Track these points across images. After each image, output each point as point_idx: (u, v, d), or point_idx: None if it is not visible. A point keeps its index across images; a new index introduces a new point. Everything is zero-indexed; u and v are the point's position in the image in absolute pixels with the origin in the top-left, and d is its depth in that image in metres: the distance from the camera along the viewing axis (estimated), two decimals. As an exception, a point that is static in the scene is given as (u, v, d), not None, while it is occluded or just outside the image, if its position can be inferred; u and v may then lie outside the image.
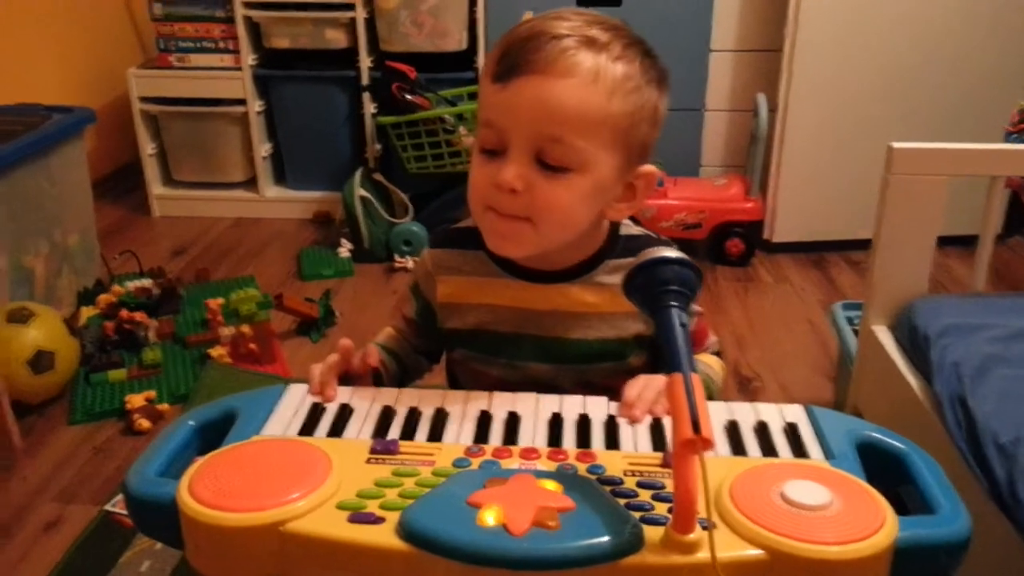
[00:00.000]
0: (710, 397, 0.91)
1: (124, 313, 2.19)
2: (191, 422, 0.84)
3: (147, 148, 3.05)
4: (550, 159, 0.83)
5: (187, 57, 2.96)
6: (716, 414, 0.84)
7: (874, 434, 0.82)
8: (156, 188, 3.12)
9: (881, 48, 2.50)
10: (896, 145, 1.27)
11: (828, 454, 0.78)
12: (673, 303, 0.68)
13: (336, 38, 2.86)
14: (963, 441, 1.06)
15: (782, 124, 2.57)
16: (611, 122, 0.83)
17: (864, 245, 2.67)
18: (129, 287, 2.39)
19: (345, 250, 2.72)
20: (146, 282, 2.42)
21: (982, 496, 1.01)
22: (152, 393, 1.93)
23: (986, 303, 1.33)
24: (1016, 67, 2.53)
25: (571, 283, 0.95)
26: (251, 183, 3.12)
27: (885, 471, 0.79)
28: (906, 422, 0.81)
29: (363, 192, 2.68)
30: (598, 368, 0.98)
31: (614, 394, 0.88)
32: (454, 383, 1.08)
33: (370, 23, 2.84)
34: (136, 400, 1.88)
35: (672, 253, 0.69)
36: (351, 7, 2.80)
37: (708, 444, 0.61)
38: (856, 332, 1.62)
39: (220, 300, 2.30)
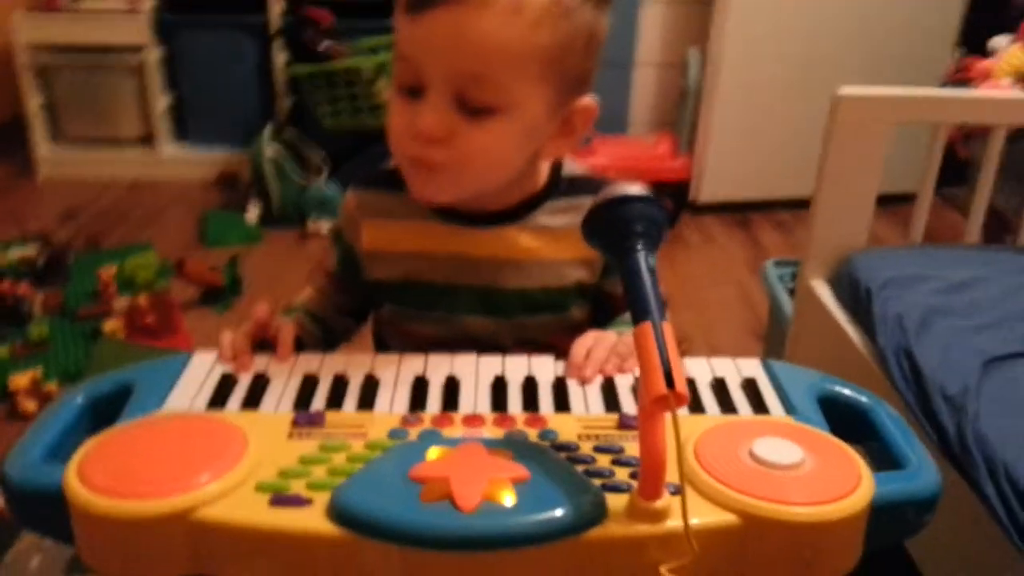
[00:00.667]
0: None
1: (6, 285, 2.01)
2: (79, 398, 0.74)
3: (33, 102, 2.81)
4: (472, 100, 0.75)
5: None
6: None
7: (837, 388, 0.78)
8: (42, 147, 2.89)
9: (814, 4, 2.48)
10: (843, 91, 1.23)
11: (790, 409, 0.74)
12: (639, 245, 0.61)
13: (242, -19, 2.68)
14: (910, 394, 1.04)
15: (713, 80, 2.54)
16: (538, 55, 0.75)
17: (788, 205, 2.73)
18: (11, 255, 2.19)
19: (253, 214, 2.56)
20: (30, 250, 2.23)
21: (931, 449, 0.99)
22: (38, 372, 1.77)
23: (925, 255, 1.31)
24: (946, 18, 2.56)
25: (509, 225, 0.87)
26: (148, 140, 2.92)
27: (847, 426, 0.74)
28: (848, 376, 0.78)
29: (273, 150, 2.52)
30: (539, 321, 0.91)
31: (558, 352, 0.82)
32: (382, 346, 0.99)
33: (280, -35, 2.67)
34: (20, 380, 1.73)
35: (636, 190, 0.62)
36: (258, -51, 2.63)
37: (683, 399, 0.55)
38: (789, 290, 1.60)
39: (113, 268, 2.13)
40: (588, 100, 0.83)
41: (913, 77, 2.43)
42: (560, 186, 0.89)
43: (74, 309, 2.02)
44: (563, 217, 0.88)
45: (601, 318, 0.95)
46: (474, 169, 0.79)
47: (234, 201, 2.71)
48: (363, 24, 2.61)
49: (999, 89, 1.51)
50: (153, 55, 2.77)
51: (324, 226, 2.53)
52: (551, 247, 0.88)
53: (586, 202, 0.87)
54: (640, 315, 0.58)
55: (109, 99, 2.85)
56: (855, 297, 1.25)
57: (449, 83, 0.75)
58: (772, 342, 1.68)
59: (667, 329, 0.57)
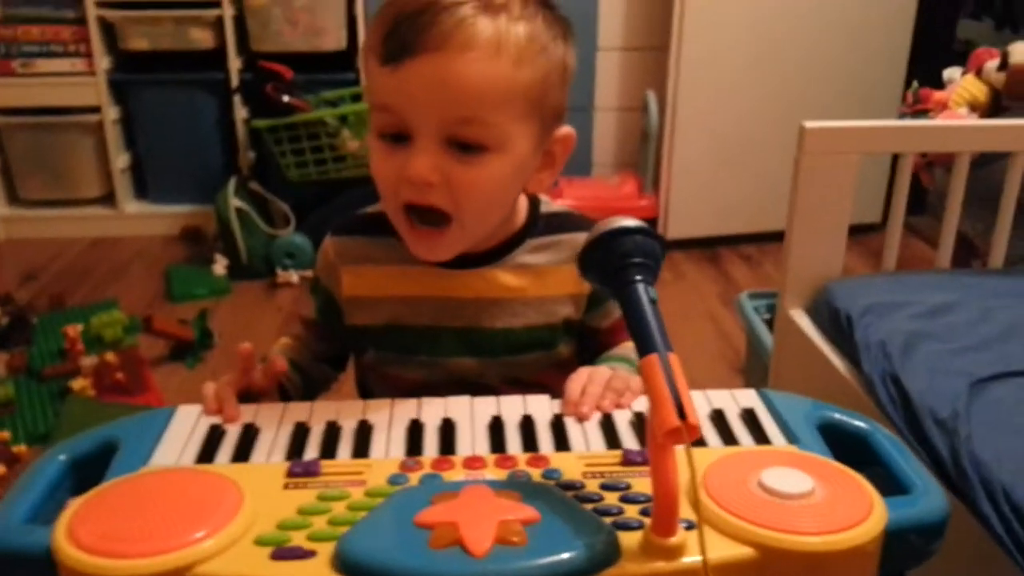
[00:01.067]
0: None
1: (-33, 346, 1.95)
2: (62, 456, 0.71)
3: (-12, 164, 2.76)
4: (463, 140, 0.75)
5: (33, 63, 2.70)
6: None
7: (835, 415, 0.78)
8: (0, 208, 2.82)
9: (767, 43, 2.56)
10: (808, 124, 1.26)
11: (791, 439, 0.73)
12: (638, 277, 0.60)
13: (201, 38, 2.68)
14: (900, 419, 1.04)
15: (672, 121, 2.58)
16: (522, 91, 0.76)
17: (754, 239, 2.77)
18: (-28, 317, 2.13)
19: (220, 266, 2.53)
20: (-8, 311, 2.16)
21: (923, 473, 0.99)
22: (6, 434, 1.72)
23: (899, 281, 1.33)
24: (898, 50, 2.65)
25: (491, 266, 0.87)
26: (108, 199, 2.88)
27: (846, 452, 0.74)
28: (833, 403, 0.79)
29: (238, 203, 2.50)
30: (526, 360, 0.90)
31: (547, 390, 0.81)
32: (366, 393, 0.97)
33: (239, 21, 2.68)
34: (-13, 442, 1.67)
35: (631, 222, 0.62)
36: (217, 5, 2.64)
37: (695, 431, 0.54)
38: (765, 321, 1.61)
39: (79, 326, 2.08)
40: (566, 129, 0.84)
41: (867, 109, 2.52)
42: (539, 224, 0.89)
43: (39, 369, 1.96)
44: (544, 255, 0.88)
45: (586, 354, 0.94)
46: (472, 209, 0.78)
47: (198, 255, 2.67)
48: (322, 77, 2.63)
49: (957, 118, 1.56)
50: (110, 115, 2.75)
51: (294, 276, 2.50)
52: (534, 285, 0.88)
53: (565, 238, 0.89)
54: (645, 347, 0.57)
55: (67, 159, 2.81)
56: (836, 325, 1.26)
57: (438, 128, 0.75)
58: (752, 374, 1.68)
59: (674, 360, 0.57)
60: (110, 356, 1.91)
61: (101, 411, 1.79)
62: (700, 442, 0.73)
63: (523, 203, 0.89)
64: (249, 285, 2.49)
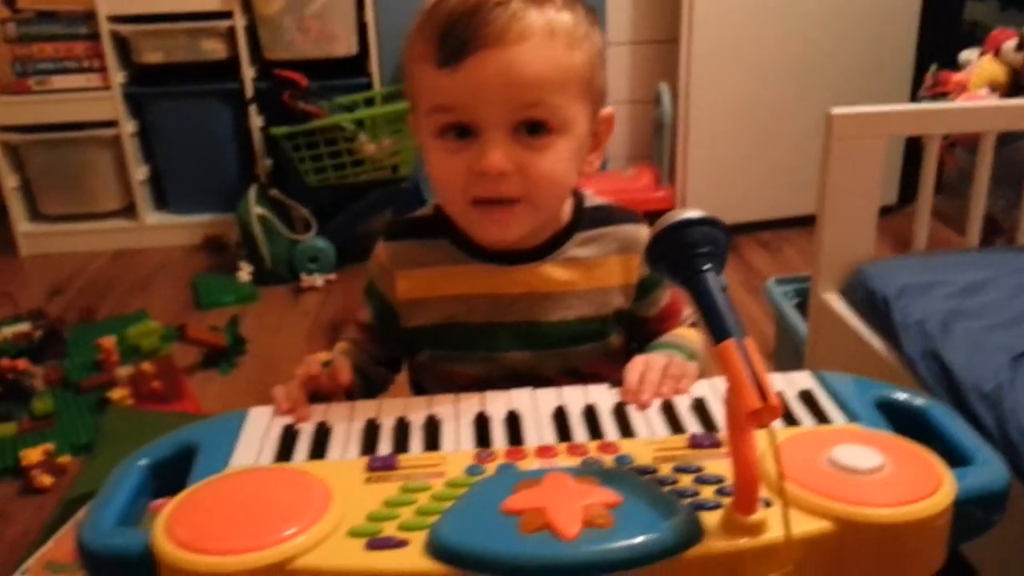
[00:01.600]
0: (701, 373, 0.86)
1: (4, 362, 1.97)
2: (142, 462, 0.73)
3: (9, 182, 2.79)
4: (533, 120, 0.78)
5: (48, 80, 2.72)
6: (719, 390, 0.79)
7: (892, 392, 0.79)
8: (22, 225, 2.86)
9: (777, 30, 2.57)
10: (835, 110, 1.27)
11: (853, 417, 0.75)
12: (707, 266, 0.62)
13: (214, 49, 2.70)
14: (943, 395, 1.06)
15: (685, 112, 2.59)
16: (576, 72, 0.80)
17: (771, 225, 2.78)
18: (5, 333, 2.16)
19: (246, 273, 2.55)
20: (24, 326, 2.19)
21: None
22: (50, 446, 1.74)
23: (930, 262, 1.35)
24: (906, 34, 2.65)
25: (542, 261, 0.89)
26: (129, 211, 2.90)
27: (903, 429, 0.76)
28: None
29: (260, 210, 2.52)
30: (581, 351, 0.92)
31: (601, 380, 0.83)
32: (420, 392, 0.99)
33: (251, 31, 2.70)
34: (32, 455, 1.69)
35: (696, 213, 0.63)
36: (228, 15, 2.65)
37: (776, 412, 0.55)
38: (796, 306, 1.62)
39: (114, 338, 2.10)
40: (608, 110, 0.88)
41: (877, 93, 2.53)
42: (584, 218, 0.91)
43: (76, 381, 1.99)
44: (592, 247, 0.90)
45: (635, 342, 0.96)
46: (546, 194, 0.81)
47: (222, 263, 2.70)
48: (336, 83, 2.65)
49: (978, 99, 1.57)
50: (127, 128, 2.77)
51: (318, 279, 2.52)
52: (584, 278, 0.90)
53: (610, 231, 0.91)
54: (720, 334, 0.59)
55: (86, 174, 2.83)
56: (872, 307, 1.28)
57: (507, 118, 0.77)
58: (782, 360, 1.70)
59: (750, 344, 0.58)
60: (146, 365, 1.94)
61: (141, 419, 1.81)
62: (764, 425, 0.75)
63: (568, 199, 0.91)
64: (275, 290, 2.51)
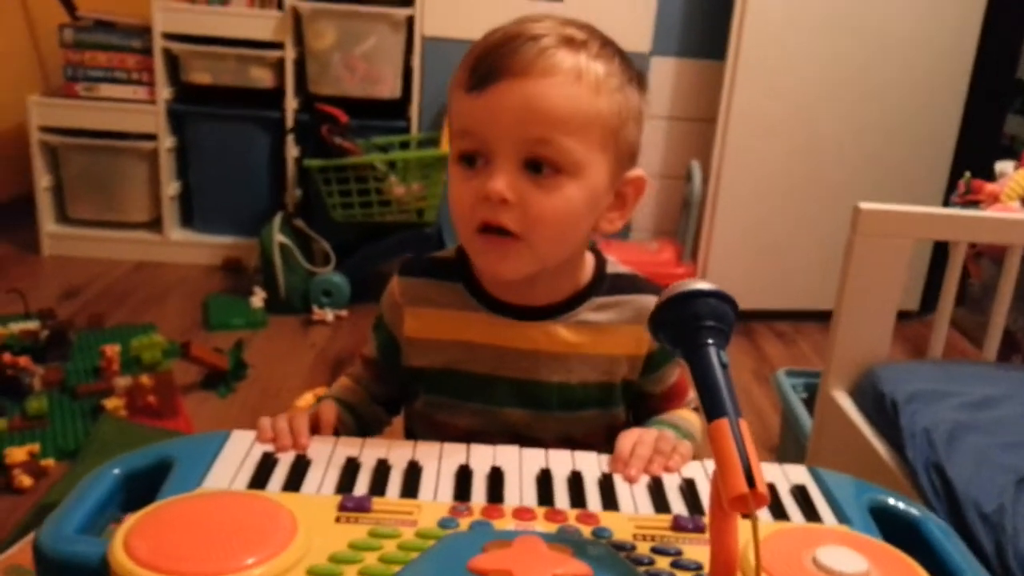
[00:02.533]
0: (695, 456, 0.84)
1: (7, 357, 1.97)
2: (116, 470, 0.72)
3: (42, 181, 2.83)
4: (540, 158, 0.77)
5: (96, 87, 2.78)
6: (711, 473, 0.77)
7: (888, 499, 0.77)
8: (48, 225, 2.89)
9: (813, 122, 2.59)
10: (863, 206, 1.27)
11: (842, 519, 0.73)
12: (710, 340, 0.60)
13: (261, 77, 2.76)
14: (942, 509, 1.02)
15: (715, 191, 2.60)
16: (600, 120, 0.79)
17: (789, 316, 2.76)
18: (13, 329, 2.16)
19: (258, 299, 2.55)
20: (32, 324, 2.20)
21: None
22: (36, 447, 1.72)
23: (946, 370, 1.32)
24: (944, 142, 2.66)
25: (553, 320, 0.88)
26: (155, 224, 2.93)
27: (898, 538, 0.73)
28: None
29: (282, 238, 2.54)
30: (579, 417, 0.90)
31: (597, 451, 0.81)
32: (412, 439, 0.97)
33: (299, 64, 2.76)
34: (17, 454, 1.68)
35: (705, 285, 0.62)
36: (280, 46, 2.71)
37: (763, 500, 0.53)
38: (802, 400, 1.59)
39: (118, 347, 2.10)
40: (639, 171, 0.86)
41: (910, 198, 2.53)
42: (604, 283, 0.90)
43: (74, 386, 1.98)
44: (607, 313, 0.89)
45: (636, 418, 0.94)
46: (545, 234, 0.80)
47: (238, 286, 2.71)
48: (375, 123, 2.69)
49: (1009, 211, 1.56)
50: (166, 143, 2.82)
51: (329, 314, 2.52)
52: (593, 342, 0.88)
53: (629, 299, 0.89)
54: (715, 412, 0.57)
55: (119, 183, 2.87)
56: (880, 409, 1.25)
57: (517, 149, 0.77)
58: (785, 453, 1.66)
59: (744, 426, 0.57)
60: (144, 379, 1.93)
61: (131, 432, 1.80)
62: (748, 513, 0.72)
63: (590, 261, 0.91)
64: (285, 320, 2.51)
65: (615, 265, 0.93)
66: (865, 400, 1.29)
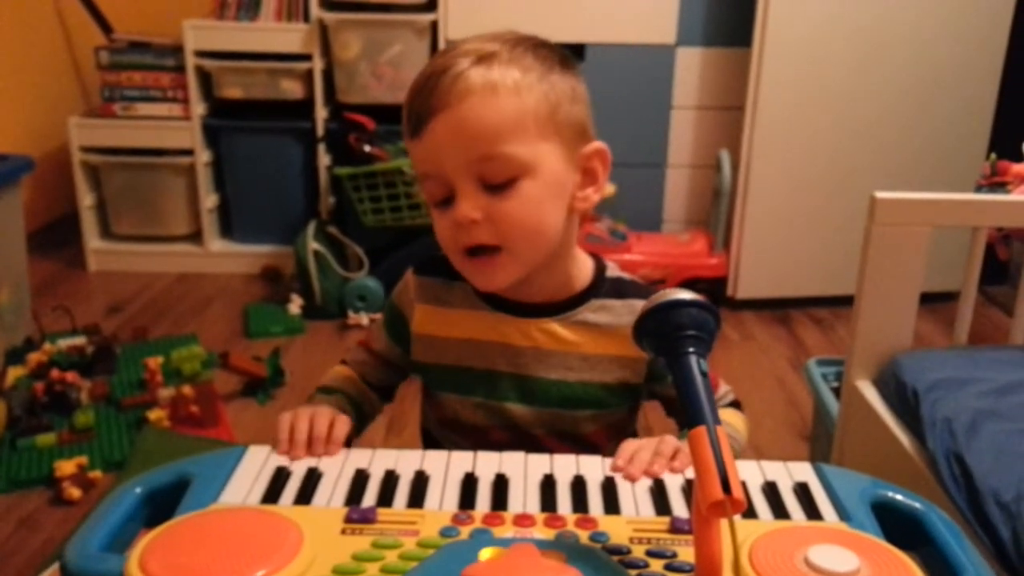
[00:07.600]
0: (736, 457, 0.85)
1: (55, 373, 2.05)
2: (138, 489, 0.75)
3: (86, 199, 2.93)
4: (492, 178, 0.82)
5: (133, 106, 2.87)
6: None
7: (890, 494, 0.77)
8: (93, 241, 2.99)
9: (842, 106, 2.55)
10: (879, 195, 1.25)
11: (843, 515, 0.73)
12: (691, 349, 0.62)
13: (291, 89, 2.81)
14: (962, 499, 1.01)
15: (745, 181, 2.58)
16: (531, 115, 0.82)
17: (826, 302, 2.72)
18: (61, 345, 2.25)
19: (296, 306, 2.61)
20: (79, 340, 2.28)
21: (984, 555, 0.96)
22: (84, 459, 1.79)
23: (970, 357, 1.30)
24: (980, 123, 2.60)
25: (553, 319, 0.92)
26: (195, 237, 3.01)
27: (900, 532, 0.73)
28: (897, 479, 0.78)
29: (316, 245, 2.59)
30: (577, 416, 0.93)
31: (598, 451, 0.84)
32: (425, 434, 1.03)
33: (327, 74, 2.80)
34: (66, 467, 1.75)
35: (687, 295, 0.64)
36: (308, 58, 2.76)
37: (739, 506, 0.55)
38: (833, 389, 1.58)
39: (159, 359, 2.17)
40: (597, 144, 0.88)
41: (945, 179, 2.47)
42: (604, 286, 0.93)
43: (119, 398, 2.05)
44: (605, 315, 0.92)
45: (679, 424, 0.96)
46: (522, 237, 0.83)
47: (276, 294, 2.77)
48: (400, 128, 2.71)
49: (1037, 192, 1.52)
50: (202, 158, 2.89)
51: (364, 318, 2.57)
52: (590, 342, 0.91)
53: (627, 303, 0.91)
54: (694, 419, 0.59)
55: (159, 197, 2.96)
56: (902, 399, 1.24)
57: (468, 173, 0.81)
58: (818, 443, 1.65)
59: (721, 433, 0.58)
60: (186, 389, 1.99)
61: (174, 442, 1.86)
62: (751, 514, 0.73)
63: (589, 264, 0.94)
64: (322, 325, 2.57)
65: (615, 270, 0.96)
66: (888, 390, 1.28)
